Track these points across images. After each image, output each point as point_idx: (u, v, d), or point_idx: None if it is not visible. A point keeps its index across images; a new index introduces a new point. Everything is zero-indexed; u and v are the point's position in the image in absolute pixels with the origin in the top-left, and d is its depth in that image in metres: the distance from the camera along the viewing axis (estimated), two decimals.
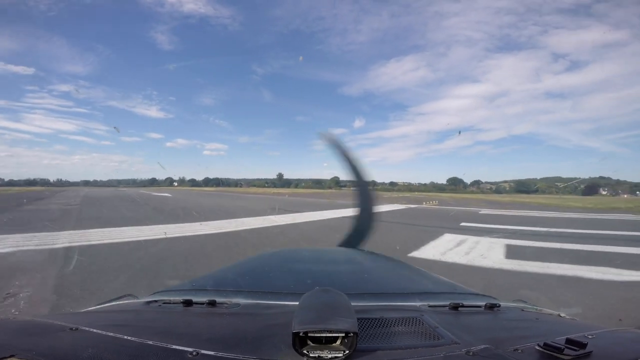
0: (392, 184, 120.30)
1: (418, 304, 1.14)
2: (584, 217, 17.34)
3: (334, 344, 0.69)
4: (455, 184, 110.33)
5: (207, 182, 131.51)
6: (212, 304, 1.05)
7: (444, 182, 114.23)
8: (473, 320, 1.02)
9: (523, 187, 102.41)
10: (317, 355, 0.67)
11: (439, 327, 0.88)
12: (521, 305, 1.26)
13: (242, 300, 1.10)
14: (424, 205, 25.00)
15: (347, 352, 0.68)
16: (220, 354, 0.69)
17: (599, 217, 17.79)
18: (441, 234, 9.38)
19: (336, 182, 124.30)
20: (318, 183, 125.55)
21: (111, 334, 0.78)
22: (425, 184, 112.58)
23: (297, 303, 0.84)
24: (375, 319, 0.92)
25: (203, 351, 0.70)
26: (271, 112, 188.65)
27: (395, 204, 24.61)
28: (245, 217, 13.13)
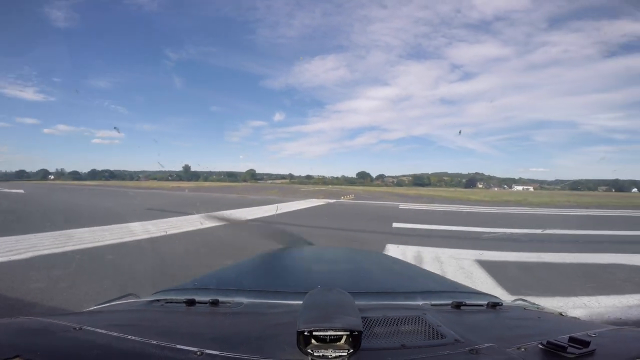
0: (308, 177, 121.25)
1: (421, 302, 1.14)
2: (518, 213, 16.77)
3: (338, 343, 0.68)
4: (363, 178, 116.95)
5: (95, 174, 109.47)
6: (215, 303, 1.04)
7: (354, 175, 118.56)
8: (476, 319, 1.03)
9: (419, 180, 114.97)
10: (321, 354, 0.66)
11: (442, 326, 0.88)
12: (523, 304, 1.28)
13: (245, 300, 1.09)
14: (342, 200, 24.18)
15: (352, 350, 0.67)
16: (224, 353, 0.69)
17: (525, 212, 17.38)
18: (382, 244, 7.34)
19: (252, 175, 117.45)
20: (232, 176, 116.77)
21: (115, 333, 0.77)
22: (337, 178, 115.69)
23: (301, 302, 0.82)
24: (379, 317, 0.92)
25: (207, 351, 0.69)
26: (182, 100, 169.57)
27: (313, 199, 23.53)
28: None
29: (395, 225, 10.54)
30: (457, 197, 32.28)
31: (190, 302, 1.05)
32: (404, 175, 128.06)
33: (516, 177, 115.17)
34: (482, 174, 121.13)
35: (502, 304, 1.15)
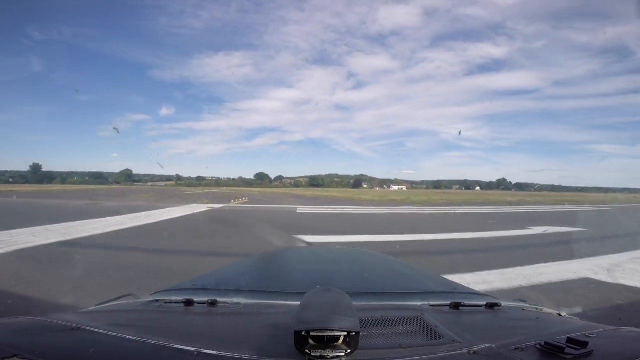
0: (199, 178, 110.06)
1: (419, 303, 1.15)
2: (416, 213, 16.05)
3: (336, 343, 0.69)
4: (262, 179, 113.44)
5: None
6: (213, 303, 1.05)
7: (252, 177, 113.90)
8: (474, 319, 1.04)
9: (314, 182, 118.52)
10: (319, 354, 0.67)
11: (440, 327, 0.89)
12: (522, 304, 1.28)
13: (244, 300, 1.11)
14: (232, 205, 21.90)
15: (349, 351, 0.68)
16: (222, 354, 0.70)
17: (421, 212, 16.97)
18: None
19: (128, 176, 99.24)
20: (100, 177, 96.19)
21: (113, 333, 0.78)
22: (234, 179, 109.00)
23: (299, 302, 0.82)
24: (377, 318, 0.93)
25: (205, 351, 0.70)
26: (39, 86, 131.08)
27: (195, 204, 20.38)
28: None
29: (297, 237, 8.57)
30: (350, 197, 32.91)
31: (189, 303, 1.06)
32: (301, 177, 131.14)
33: (392, 178, 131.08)
34: (366, 176, 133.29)
35: (500, 305, 1.14)
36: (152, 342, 0.74)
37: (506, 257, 6.55)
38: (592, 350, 0.70)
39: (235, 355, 0.70)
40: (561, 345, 0.71)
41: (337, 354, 0.68)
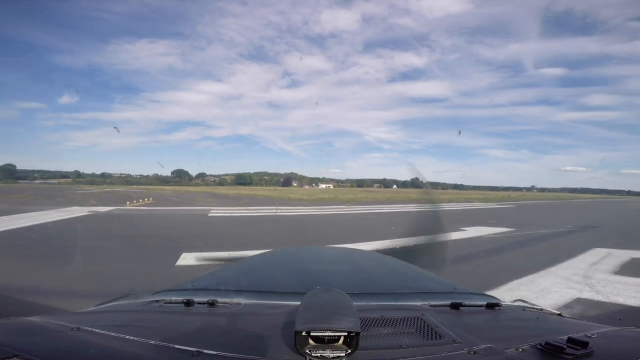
0: (104, 175, 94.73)
1: (419, 303, 1.16)
2: (348, 213, 14.42)
3: (336, 344, 0.70)
4: (180, 176, 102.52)
5: None
6: (213, 303, 1.07)
7: (169, 174, 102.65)
8: (474, 319, 1.05)
9: (241, 179, 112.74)
10: (319, 354, 0.68)
11: (440, 327, 0.90)
12: (522, 304, 1.30)
13: (244, 300, 1.11)
14: (126, 207, 17.84)
15: (349, 351, 0.69)
16: (222, 354, 0.70)
17: (350, 211, 15.46)
18: None
19: (8, 173, 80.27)
20: None
21: (113, 333, 0.79)
22: (147, 176, 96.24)
23: (299, 302, 0.84)
24: (377, 318, 0.94)
25: (205, 351, 0.71)
26: None
27: (77, 207, 16.19)
28: None
29: (183, 259, 6.11)
30: (278, 196, 30.78)
31: (189, 303, 1.07)
32: (226, 174, 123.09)
33: (320, 177, 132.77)
34: (296, 174, 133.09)
35: (500, 305, 1.16)
36: (152, 342, 0.75)
37: (468, 270, 5.86)
38: (593, 350, 0.71)
39: (235, 355, 0.70)
40: (561, 345, 0.72)
41: (338, 354, 0.68)
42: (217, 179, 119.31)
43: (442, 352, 0.75)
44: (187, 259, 6.06)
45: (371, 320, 0.92)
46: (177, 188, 60.90)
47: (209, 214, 14.76)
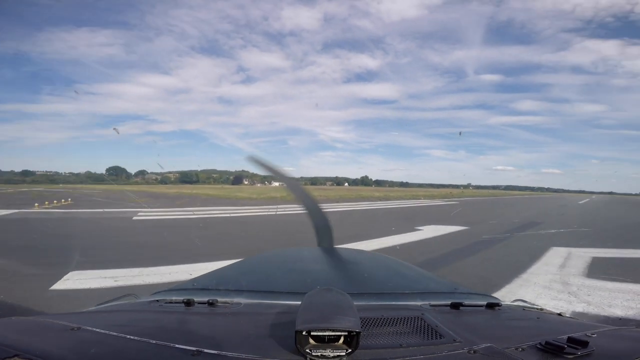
0: (25, 173, 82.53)
1: (419, 303, 1.16)
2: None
3: (336, 343, 0.70)
4: (117, 174, 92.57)
5: None
6: (213, 303, 1.07)
7: (103, 171, 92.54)
8: (474, 319, 1.05)
9: (187, 177, 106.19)
10: (319, 354, 0.68)
11: (441, 326, 0.90)
12: (522, 304, 1.30)
13: (244, 300, 1.12)
14: (34, 210, 14.87)
15: (350, 350, 0.69)
16: (222, 353, 0.70)
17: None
18: None
19: None
20: None
21: (113, 333, 0.79)
22: (78, 174, 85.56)
23: (299, 302, 0.85)
24: (377, 318, 0.95)
25: (206, 350, 0.71)
26: None
27: None
28: None
29: (65, 281, 4.66)
30: (225, 195, 28.80)
31: (189, 302, 1.07)
32: (170, 172, 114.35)
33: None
34: (248, 172, 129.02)
35: (501, 305, 1.16)
36: (153, 342, 0.74)
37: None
38: (593, 350, 0.71)
39: (235, 355, 0.70)
40: (562, 344, 0.72)
41: (338, 354, 0.68)
42: (159, 176, 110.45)
43: (443, 352, 0.75)
44: (72, 280, 4.63)
45: (371, 320, 0.92)
46: (112, 187, 54.62)
47: (135, 217, 12.75)
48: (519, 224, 12.92)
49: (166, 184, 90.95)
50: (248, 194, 32.08)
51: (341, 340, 0.69)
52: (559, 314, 1.19)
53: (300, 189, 2.38)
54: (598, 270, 5.79)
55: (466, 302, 1.14)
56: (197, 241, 8.06)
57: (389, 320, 0.93)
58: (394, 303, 1.17)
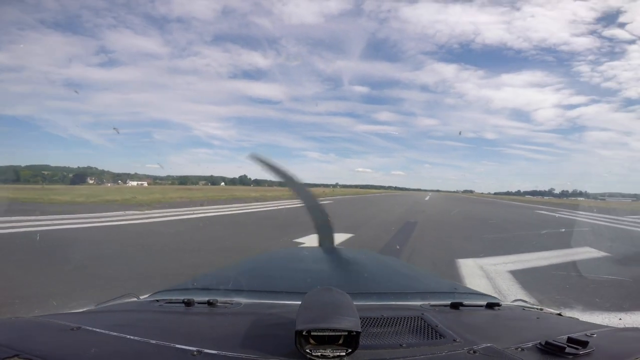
0: None
1: (419, 303, 1.17)
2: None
3: (336, 343, 0.70)
4: None
5: None
6: (213, 303, 1.07)
7: None
8: (474, 319, 1.06)
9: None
10: (319, 353, 0.68)
11: (441, 326, 0.91)
12: (522, 304, 1.32)
13: (244, 300, 1.13)
14: None
15: (350, 350, 0.69)
16: (222, 353, 0.70)
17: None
18: None
19: None
20: None
21: (113, 333, 0.79)
22: None
23: (299, 302, 0.84)
24: (377, 317, 0.95)
25: (206, 350, 0.70)
26: None
27: None
28: None
29: None
30: (33, 198, 19.57)
31: (189, 302, 1.07)
32: None
33: (132, 173, 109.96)
34: (96, 168, 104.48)
35: (500, 305, 1.17)
36: (153, 341, 0.74)
37: None
38: (593, 350, 0.72)
39: (235, 354, 0.70)
40: (561, 344, 0.72)
41: (338, 354, 0.68)
42: None
43: (442, 352, 0.75)
44: None
45: (371, 320, 0.93)
46: None
47: None
48: (400, 222, 12.03)
49: None
50: (69, 198, 22.71)
51: (341, 340, 0.69)
52: (559, 314, 1.21)
53: (304, 189, 2.24)
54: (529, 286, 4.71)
55: (466, 302, 1.15)
56: None
57: (389, 320, 0.94)
58: (393, 303, 1.19)
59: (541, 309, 1.23)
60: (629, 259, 6.82)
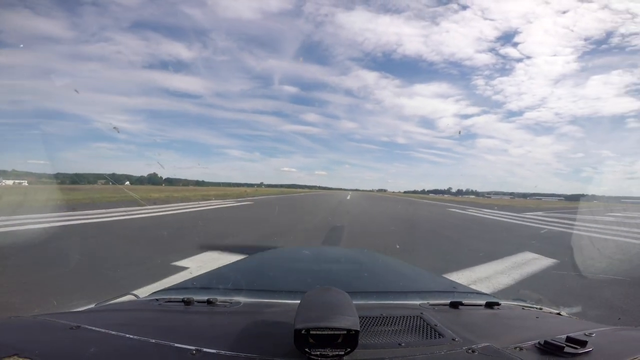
0: None
1: (418, 302, 1.17)
2: None
3: (335, 342, 0.70)
4: None
5: None
6: (213, 302, 1.09)
7: None
8: (473, 318, 1.06)
9: None
10: (319, 352, 0.69)
11: (440, 325, 0.91)
12: (521, 303, 1.31)
13: (243, 299, 1.13)
14: None
15: (349, 349, 0.70)
16: (222, 352, 0.71)
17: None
18: None
19: None
20: None
21: (113, 332, 0.80)
22: None
23: (299, 301, 0.83)
24: (376, 316, 0.96)
25: (205, 349, 0.71)
26: None
27: None
28: None
29: None
30: None
31: (189, 301, 1.09)
32: None
33: (9, 170, 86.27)
34: None
35: (500, 304, 1.17)
36: (152, 341, 0.75)
37: None
38: (591, 349, 0.73)
39: (235, 354, 0.70)
40: (560, 344, 0.73)
41: (337, 353, 0.68)
42: None
43: (442, 351, 0.75)
44: None
45: (371, 319, 0.93)
46: None
47: None
48: (329, 228, 10.35)
49: None
50: None
51: (340, 339, 0.69)
52: (558, 313, 1.21)
53: None
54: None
55: (465, 301, 1.16)
56: None
57: (388, 319, 0.94)
58: (393, 302, 1.19)
59: (540, 309, 1.24)
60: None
